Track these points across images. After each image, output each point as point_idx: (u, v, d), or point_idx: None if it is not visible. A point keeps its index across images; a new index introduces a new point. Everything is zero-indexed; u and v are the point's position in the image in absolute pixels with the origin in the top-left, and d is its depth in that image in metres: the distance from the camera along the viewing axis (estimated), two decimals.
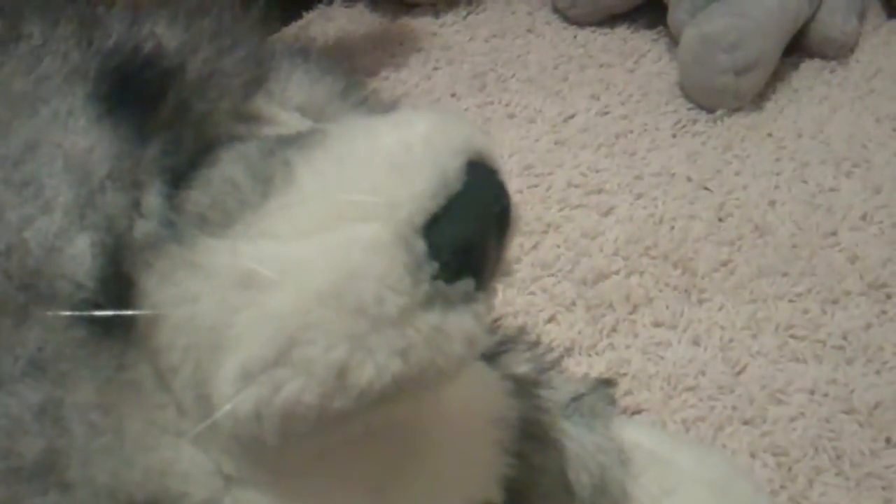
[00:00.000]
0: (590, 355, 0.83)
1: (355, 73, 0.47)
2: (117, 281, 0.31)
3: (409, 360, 0.32)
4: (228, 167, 0.34)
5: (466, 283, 0.33)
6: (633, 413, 0.77)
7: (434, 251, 0.32)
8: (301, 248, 0.32)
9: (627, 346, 0.83)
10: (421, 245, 0.32)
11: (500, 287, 0.37)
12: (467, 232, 0.33)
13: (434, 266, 0.32)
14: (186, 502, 0.33)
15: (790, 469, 0.72)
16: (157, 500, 0.32)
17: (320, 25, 1.38)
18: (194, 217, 0.33)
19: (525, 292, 0.89)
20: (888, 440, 0.74)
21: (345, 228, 0.32)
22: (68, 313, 0.30)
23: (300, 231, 0.32)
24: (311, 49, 0.46)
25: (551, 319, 0.87)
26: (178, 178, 0.34)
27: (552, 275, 0.91)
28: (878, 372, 0.80)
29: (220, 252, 0.32)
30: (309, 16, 1.39)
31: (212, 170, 0.34)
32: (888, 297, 0.87)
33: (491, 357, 0.56)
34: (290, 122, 0.40)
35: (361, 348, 0.31)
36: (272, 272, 0.31)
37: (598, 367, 0.81)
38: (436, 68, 1.27)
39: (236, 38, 0.38)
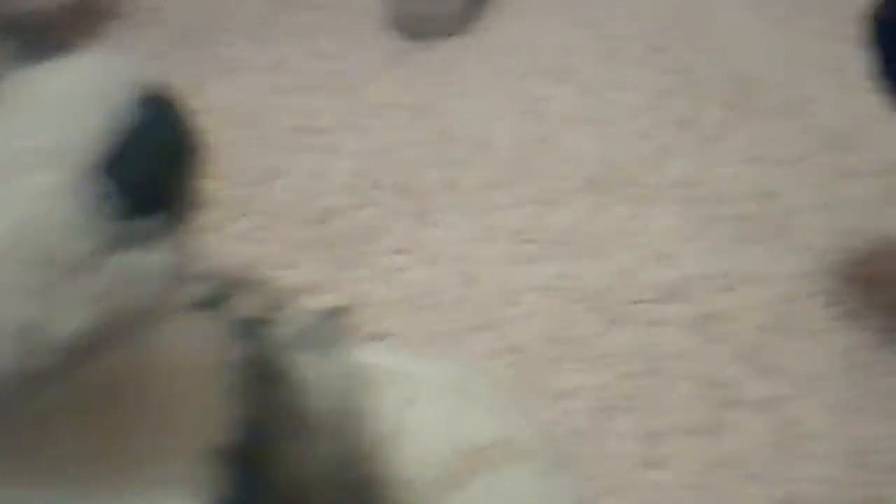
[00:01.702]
0: (332, 292, 0.83)
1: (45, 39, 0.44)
2: None
3: (104, 304, 0.31)
4: None
5: (153, 220, 0.32)
6: (381, 339, 0.78)
7: (115, 190, 0.31)
8: None
9: (367, 277, 0.85)
10: (98, 186, 0.31)
11: (196, 220, 0.36)
12: (147, 168, 0.32)
13: (116, 206, 0.31)
14: None
15: (530, 364, 0.75)
16: None
17: (14, 6, 1.29)
18: None
19: (259, 242, 0.88)
20: (613, 321, 0.79)
21: (17, 180, 0.31)
22: None
23: None
24: None
25: (291, 265, 0.86)
26: None
27: (284, 219, 0.91)
28: (601, 259, 0.85)
29: None
30: None
31: None
32: (603, 191, 0.92)
33: (213, 303, 0.55)
34: None
35: (52, 300, 0.30)
36: None
37: (341, 302, 0.81)
38: (140, 31, 1.22)
39: None
